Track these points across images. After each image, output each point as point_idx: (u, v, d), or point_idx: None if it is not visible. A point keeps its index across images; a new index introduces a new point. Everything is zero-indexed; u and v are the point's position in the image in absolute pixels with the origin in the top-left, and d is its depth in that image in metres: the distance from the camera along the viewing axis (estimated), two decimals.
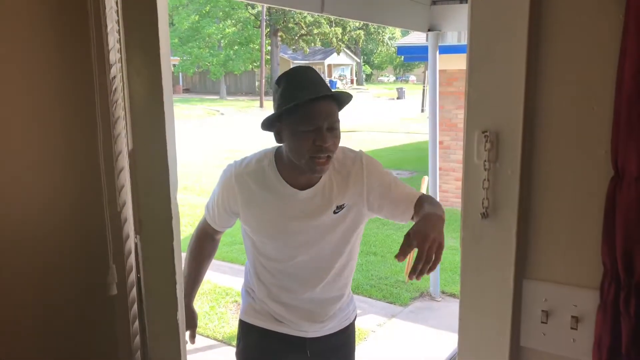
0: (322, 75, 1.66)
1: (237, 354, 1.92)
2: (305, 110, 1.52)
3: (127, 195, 1.08)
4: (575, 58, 0.92)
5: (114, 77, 1.04)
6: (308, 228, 1.69)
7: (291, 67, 1.76)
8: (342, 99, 1.61)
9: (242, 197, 1.67)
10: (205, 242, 1.89)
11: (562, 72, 0.93)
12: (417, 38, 8.72)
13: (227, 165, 1.74)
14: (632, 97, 0.82)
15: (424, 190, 5.23)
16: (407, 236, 1.41)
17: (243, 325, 1.87)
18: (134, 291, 1.12)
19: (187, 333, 1.87)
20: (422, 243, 1.38)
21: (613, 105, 0.86)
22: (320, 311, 1.81)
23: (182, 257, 1.18)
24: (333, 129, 1.55)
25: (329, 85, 1.64)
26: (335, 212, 1.68)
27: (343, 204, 1.69)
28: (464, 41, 0.93)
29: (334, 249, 1.74)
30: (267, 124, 1.63)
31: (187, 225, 7.78)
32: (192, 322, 1.90)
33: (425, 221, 1.49)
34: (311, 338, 1.83)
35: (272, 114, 1.60)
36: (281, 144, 1.65)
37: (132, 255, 1.12)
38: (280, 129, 1.60)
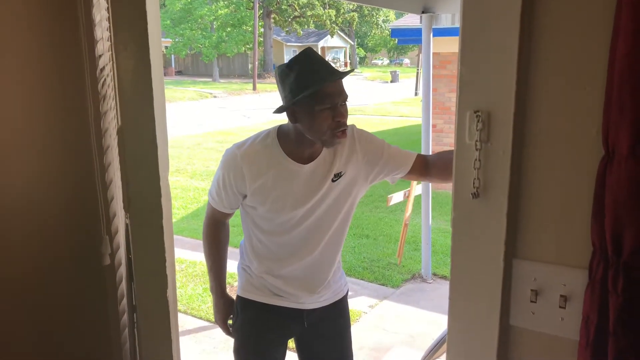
0: None
1: (236, 329, 1.95)
2: (322, 91, 1.65)
3: (114, 173, 1.07)
4: (568, 37, 0.91)
5: (101, 54, 1.02)
6: (312, 198, 1.78)
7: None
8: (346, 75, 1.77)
9: (250, 176, 1.73)
10: (218, 229, 1.96)
11: (554, 51, 0.93)
12: (411, 20, 8.66)
13: (226, 150, 1.80)
14: (624, 75, 0.82)
15: None
16: None
17: (241, 301, 1.92)
18: (122, 269, 1.11)
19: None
20: None
21: (605, 84, 0.86)
22: (316, 279, 1.88)
23: (172, 236, 1.17)
24: (344, 103, 1.71)
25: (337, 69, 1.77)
26: (333, 180, 1.79)
27: (340, 172, 1.81)
28: (458, 24, 0.92)
29: (331, 215, 1.84)
30: (282, 108, 1.74)
31: (179, 208, 7.75)
32: (232, 309, 1.99)
33: None
34: (308, 310, 1.91)
35: (292, 100, 1.68)
36: (284, 124, 1.78)
37: (120, 233, 1.11)
38: (294, 110, 1.70)
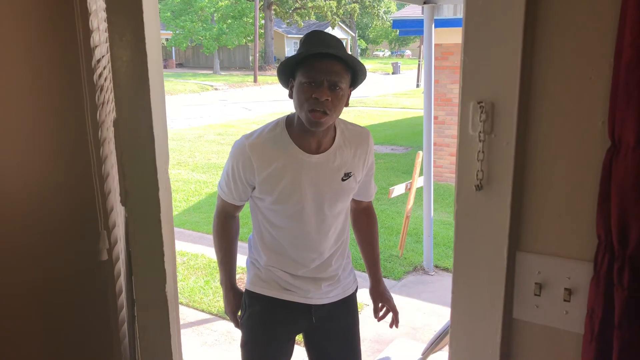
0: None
1: (244, 322, 1.94)
2: (309, 64, 1.63)
3: (112, 166, 1.05)
4: (574, 26, 0.89)
5: (98, 45, 1.00)
6: (319, 193, 1.77)
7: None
8: (355, 67, 1.70)
9: (259, 166, 1.73)
10: (228, 222, 1.95)
11: (559, 40, 0.91)
12: (412, 11, 8.61)
13: (235, 141, 1.79)
14: (631, 65, 0.80)
15: (418, 166, 5.22)
16: (376, 301, 2.12)
17: (249, 294, 1.92)
18: (120, 264, 1.10)
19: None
20: (390, 304, 2.11)
21: (611, 74, 0.84)
22: (324, 272, 1.87)
23: (172, 229, 1.16)
24: (334, 88, 1.63)
25: (346, 51, 1.72)
26: (343, 180, 1.80)
27: (350, 172, 1.81)
28: (460, 14, 0.90)
29: (338, 213, 1.85)
30: (284, 80, 1.75)
31: (181, 201, 7.74)
32: (241, 301, 1.97)
33: (382, 286, 2.13)
34: (317, 305, 1.90)
35: (283, 64, 1.71)
36: (292, 113, 1.76)
37: (119, 227, 1.10)
38: (292, 84, 1.71)
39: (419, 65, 24.95)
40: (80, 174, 1.11)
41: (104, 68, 1.03)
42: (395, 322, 2.10)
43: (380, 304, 2.10)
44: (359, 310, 4.33)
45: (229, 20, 32.81)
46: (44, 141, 1.15)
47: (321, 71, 1.61)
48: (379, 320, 2.11)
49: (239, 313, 1.99)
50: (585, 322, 0.91)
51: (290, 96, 1.72)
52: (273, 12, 36.32)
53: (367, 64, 43.53)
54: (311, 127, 1.65)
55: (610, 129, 0.84)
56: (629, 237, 0.84)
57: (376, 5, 43.90)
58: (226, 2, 32.85)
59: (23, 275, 1.19)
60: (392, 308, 2.10)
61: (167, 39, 33.33)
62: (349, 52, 1.73)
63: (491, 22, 0.94)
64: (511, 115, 0.94)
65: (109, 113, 1.05)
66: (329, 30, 40.53)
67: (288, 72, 1.73)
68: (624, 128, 0.81)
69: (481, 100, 0.96)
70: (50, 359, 1.23)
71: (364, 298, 4.71)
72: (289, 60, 1.69)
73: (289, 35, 40.41)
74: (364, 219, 2.08)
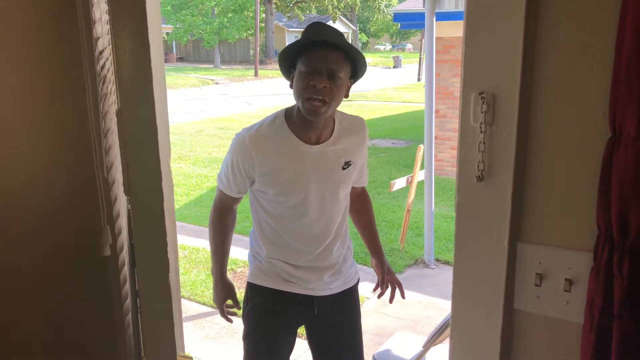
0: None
1: (246, 314, 1.95)
2: (308, 53, 1.65)
3: (115, 156, 1.06)
4: (575, 17, 0.90)
5: (100, 36, 1.00)
6: (321, 183, 1.79)
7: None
8: (355, 56, 1.70)
9: (259, 158, 1.73)
10: (225, 213, 1.97)
11: (560, 31, 0.91)
12: (414, 5, 8.58)
13: (236, 134, 1.80)
14: (632, 56, 0.80)
15: (419, 160, 5.22)
16: (383, 274, 2.14)
17: (251, 287, 1.93)
18: (124, 254, 1.11)
19: (229, 302, 2.00)
20: (393, 277, 2.15)
21: (612, 65, 0.85)
22: (325, 262, 1.88)
23: (174, 221, 1.16)
24: (333, 77, 1.64)
25: (348, 43, 1.72)
26: (344, 168, 1.82)
27: (350, 161, 1.83)
28: (461, 7, 0.91)
29: (340, 201, 1.87)
30: (286, 71, 1.76)
31: (182, 195, 7.75)
32: (230, 292, 1.99)
33: (385, 259, 2.18)
34: (318, 296, 1.91)
35: (283, 53, 1.73)
36: (291, 106, 1.77)
37: (122, 218, 1.10)
38: (293, 74, 1.72)
39: (420, 58, 24.91)
40: (83, 165, 1.12)
41: (107, 59, 1.03)
42: (401, 292, 2.13)
43: (385, 278, 2.14)
44: (360, 303, 4.35)
45: (230, 14, 32.70)
46: (47, 133, 1.16)
47: (320, 59, 1.62)
48: (379, 297, 2.19)
49: (228, 302, 1.99)
50: (585, 312, 0.92)
51: (292, 87, 1.72)
52: (274, 5, 36.19)
53: (368, 57, 43.39)
54: (309, 116, 1.66)
55: (611, 120, 0.84)
56: (629, 227, 0.84)
57: None
58: None
59: (27, 266, 1.19)
60: (395, 280, 2.14)
61: (167, 33, 33.25)
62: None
63: (493, 12, 0.94)
64: (512, 106, 0.94)
65: (111, 104, 1.05)
66: (329, 24, 40.35)
67: (289, 63, 1.74)
68: (625, 119, 0.82)
69: (482, 92, 0.96)
70: (55, 348, 1.24)
71: (364, 291, 4.73)
72: (289, 48, 1.70)
73: (290, 29, 40.26)
74: (360, 201, 2.13)
